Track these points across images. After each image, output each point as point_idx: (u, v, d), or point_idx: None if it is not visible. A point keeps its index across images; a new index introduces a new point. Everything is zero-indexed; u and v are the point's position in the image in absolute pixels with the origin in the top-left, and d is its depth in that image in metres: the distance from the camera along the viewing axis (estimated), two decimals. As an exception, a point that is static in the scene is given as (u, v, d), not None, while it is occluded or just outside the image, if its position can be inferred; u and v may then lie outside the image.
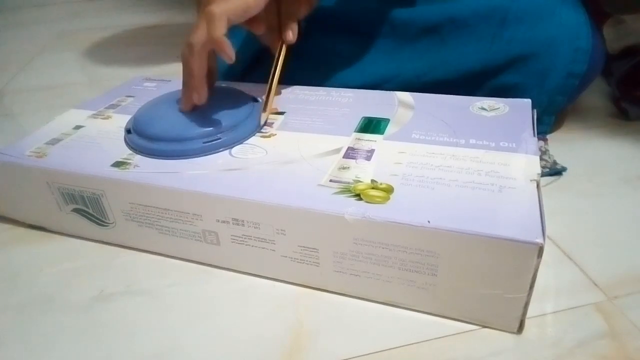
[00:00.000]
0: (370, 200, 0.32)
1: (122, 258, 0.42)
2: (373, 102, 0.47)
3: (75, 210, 0.42)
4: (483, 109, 0.44)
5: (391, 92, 0.49)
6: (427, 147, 0.38)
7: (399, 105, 0.46)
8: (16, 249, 0.43)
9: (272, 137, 0.42)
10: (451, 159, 0.36)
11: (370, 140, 0.40)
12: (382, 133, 0.41)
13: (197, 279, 0.39)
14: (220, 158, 0.40)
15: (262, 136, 0.43)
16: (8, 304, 0.38)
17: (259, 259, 0.37)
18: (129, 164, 0.39)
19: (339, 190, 0.34)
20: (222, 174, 0.37)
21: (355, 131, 0.42)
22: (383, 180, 0.35)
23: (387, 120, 0.43)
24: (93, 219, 0.41)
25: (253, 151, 0.40)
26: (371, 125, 0.43)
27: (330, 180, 0.35)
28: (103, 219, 0.41)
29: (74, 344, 0.34)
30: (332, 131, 0.42)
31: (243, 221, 0.35)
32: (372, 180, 0.35)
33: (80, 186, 0.40)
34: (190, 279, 0.39)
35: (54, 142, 0.44)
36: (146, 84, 0.57)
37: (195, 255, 0.40)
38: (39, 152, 0.42)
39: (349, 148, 0.39)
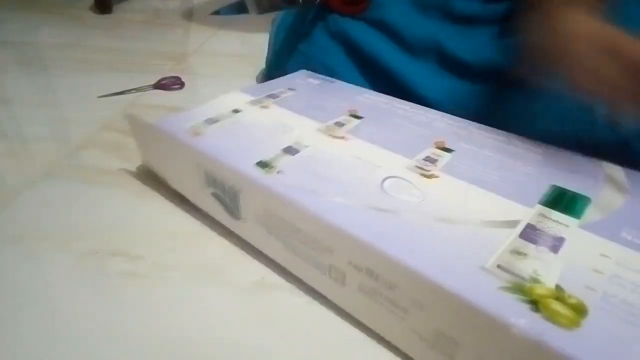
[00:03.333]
0: (552, 317, 0.24)
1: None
2: (568, 167, 0.38)
3: (214, 195, 0.40)
4: None
5: (597, 160, 0.39)
6: None
7: (605, 180, 0.36)
8: (197, 209, 0.44)
9: (433, 179, 0.36)
10: None
11: (561, 222, 0.31)
12: (578, 216, 0.32)
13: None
14: (371, 187, 0.34)
15: (422, 174, 0.36)
16: (170, 263, 0.39)
17: (382, 319, 0.31)
18: (273, 167, 0.36)
19: (509, 285, 0.26)
20: (368, 212, 0.32)
21: (540, 203, 0.33)
22: (573, 291, 0.26)
23: (586, 200, 0.34)
24: (228, 208, 0.40)
25: (409, 191, 0.34)
26: (563, 201, 0.34)
27: (498, 266, 0.28)
28: (236, 212, 0.39)
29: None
30: (510, 193, 0.34)
31: (378, 276, 0.30)
32: (558, 287, 0.26)
33: (223, 175, 0.38)
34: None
35: (210, 122, 0.43)
36: (310, 79, 0.54)
37: (314, 282, 0.36)
38: (196, 130, 0.42)
39: (529, 225, 0.31)
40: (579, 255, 0.28)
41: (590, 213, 0.32)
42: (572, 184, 0.35)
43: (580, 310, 0.25)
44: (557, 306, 0.25)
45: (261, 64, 0.69)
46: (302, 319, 0.35)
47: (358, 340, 0.34)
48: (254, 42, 0.87)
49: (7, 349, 0.33)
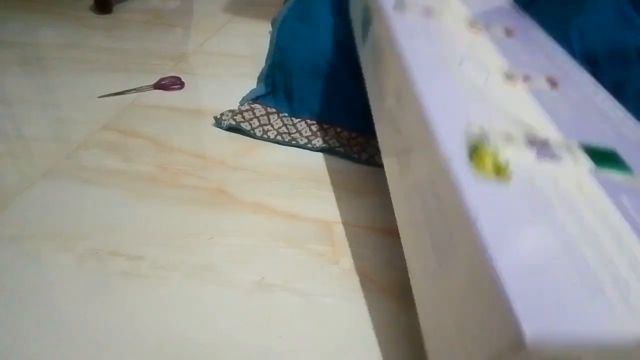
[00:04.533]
0: (477, 165, 0.28)
1: (285, 250, 0.41)
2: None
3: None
4: None
5: None
6: None
7: None
8: (196, 210, 0.45)
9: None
10: None
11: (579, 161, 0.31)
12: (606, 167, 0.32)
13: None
14: None
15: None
16: (170, 263, 0.39)
17: None
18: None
19: (476, 136, 0.30)
20: None
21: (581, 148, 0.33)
22: (514, 168, 0.28)
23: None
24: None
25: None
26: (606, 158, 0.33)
27: (481, 128, 0.31)
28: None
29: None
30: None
31: None
32: (503, 161, 0.29)
33: None
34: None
35: None
36: None
37: None
38: None
39: (547, 142, 0.32)
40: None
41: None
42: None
43: (502, 172, 0.28)
44: (487, 159, 0.28)
45: (261, 64, 0.69)
46: (302, 319, 0.35)
47: (358, 341, 0.34)
48: (254, 42, 0.87)
49: (7, 348, 0.33)
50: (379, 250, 0.41)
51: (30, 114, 0.62)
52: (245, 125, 0.57)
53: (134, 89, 0.68)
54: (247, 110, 0.59)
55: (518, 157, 0.30)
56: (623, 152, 0.33)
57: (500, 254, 0.23)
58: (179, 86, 0.70)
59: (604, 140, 0.34)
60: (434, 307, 0.29)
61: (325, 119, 0.58)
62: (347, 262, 0.40)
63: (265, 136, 0.57)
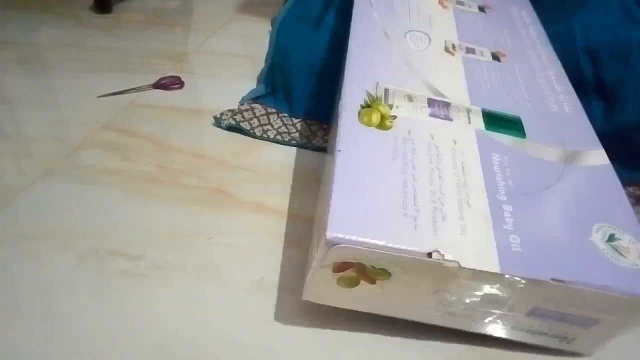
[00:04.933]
0: (362, 117, 0.36)
1: (285, 250, 0.41)
2: None
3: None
4: None
5: None
6: None
7: None
8: (196, 210, 0.45)
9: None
10: None
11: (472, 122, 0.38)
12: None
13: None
14: None
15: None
16: (170, 263, 0.39)
17: None
18: None
19: (371, 99, 0.37)
20: None
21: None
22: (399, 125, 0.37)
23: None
24: None
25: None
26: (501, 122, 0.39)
27: (386, 90, 0.38)
28: None
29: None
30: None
31: None
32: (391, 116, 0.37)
33: None
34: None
35: None
36: None
37: None
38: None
39: (447, 104, 0.39)
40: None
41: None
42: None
43: (384, 125, 0.34)
44: (374, 113, 0.35)
45: (261, 64, 0.68)
46: (302, 319, 0.35)
47: (358, 341, 0.34)
48: (254, 42, 0.87)
49: (8, 348, 0.33)
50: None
51: (30, 114, 0.62)
52: (245, 125, 0.57)
53: (134, 89, 0.68)
54: (247, 110, 0.59)
55: (408, 115, 0.36)
56: (532, 123, 0.38)
57: (343, 176, 0.31)
58: (178, 86, 0.69)
59: (515, 110, 0.39)
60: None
61: (325, 119, 0.58)
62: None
63: (265, 136, 0.57)
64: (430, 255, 0.27)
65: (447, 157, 0.33)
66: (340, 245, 0.27)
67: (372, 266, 0.28)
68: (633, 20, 0.46)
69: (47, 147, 0.55)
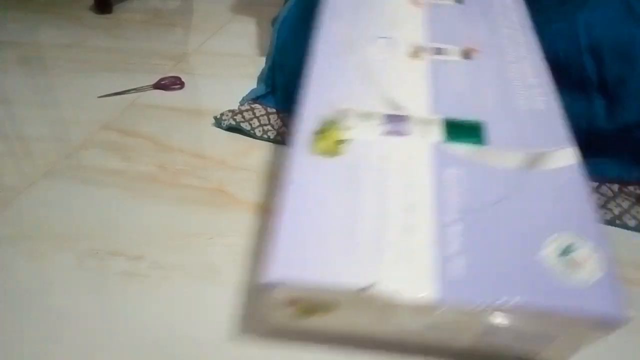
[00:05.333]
0: (315, 146, 0.34)
1: None
2: None
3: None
4: None
5: None
6: None
7: None
8: (195, 210, 0.45)
9: None
10: None
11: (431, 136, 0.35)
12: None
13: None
14: None
15: None
16: (170, 263, 0.39)
17: None
18: None
19: (325, 122, 0.35)
20: None
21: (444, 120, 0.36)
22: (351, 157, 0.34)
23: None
24: None
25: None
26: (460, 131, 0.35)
27: (346, 109, 0.36)
28: None
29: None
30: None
31: None
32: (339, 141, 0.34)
33: None
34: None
35: None
36: None
37: None
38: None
39: (400, 117, 0.36)
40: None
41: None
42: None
43: (336, 150, 0.33)
44: (326, 139, 0.33)
45: (261, 64, 0.68)
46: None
47: (356, 340, 0.34)
48: (254, 42, 0.87)
49: (8, 348, 0.33)
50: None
51: (30, 114, 0.62)
52: (245, 125, 0.57)
53: (134, 89, 0.68)
54: (247, 110, 0.59)
55: (363, 135, 0.34)
56: (497, 127, 0.35)
57: (291, 213, 0.30)
58: (179, 86, 0.70)
59: (481, 113, 0.36)
60: None
61: (325, 119, 0.58)
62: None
63: (265, 136, 0.57)
64: (364, 289, 0.26)
65: (395, 179, 0.31)
66: (279, 287, 0.27)
67: (318, 300, 0.28)
68: (635, 17, 0.46)
69: (47, 147, 0.55)
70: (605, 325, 0.26)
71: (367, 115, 0.35)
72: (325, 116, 0.35)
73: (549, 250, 0.28)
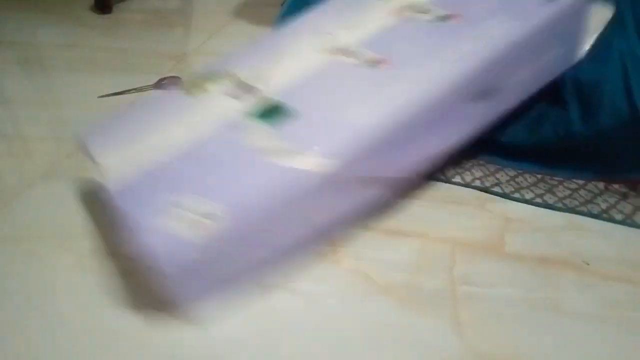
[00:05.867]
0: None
1: None
2: None
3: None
4: None
5: None
6: None
7: None
8: None
9: None
10: None
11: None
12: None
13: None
14: None
15: None
16: None
17: None
18: None
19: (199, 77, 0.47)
20: None
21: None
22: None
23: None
24: None
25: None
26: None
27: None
28: None
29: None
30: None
31: None
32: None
33: None
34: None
35: None
36: None
37: None
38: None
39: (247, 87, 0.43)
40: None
41: None
42: None
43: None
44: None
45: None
46: (302, 319, 0.35)
47: (358, 341, 0.34)
48: (254, 42, 0.87)
49: (7, 348, 0.33)
50: (379, 250, 0.41)
51: (30, 114, 0.62)
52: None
53: (134, 89, 0.68)
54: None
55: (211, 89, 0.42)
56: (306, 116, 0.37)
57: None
58: (179, 86, 0.69)
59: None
60: None
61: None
62: (347, 262, 0.40)
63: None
64: None
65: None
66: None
67: None
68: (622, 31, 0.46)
69: (47, 147, 0.55)
70: None
71: (228, 80, 0.42)
72: (212, 71, 0.44)
73: None
